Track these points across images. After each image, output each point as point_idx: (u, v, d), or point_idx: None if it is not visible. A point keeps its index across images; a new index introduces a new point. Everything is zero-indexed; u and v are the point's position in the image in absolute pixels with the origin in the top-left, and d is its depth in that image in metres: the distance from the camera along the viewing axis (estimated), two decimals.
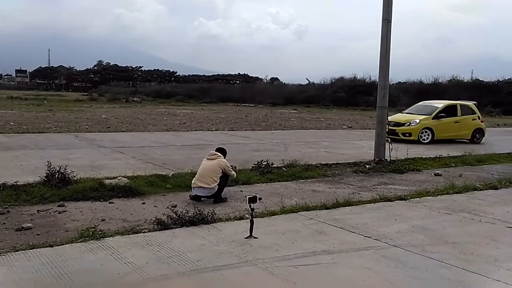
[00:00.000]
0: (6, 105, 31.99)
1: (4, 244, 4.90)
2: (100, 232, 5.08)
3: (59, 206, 6.51)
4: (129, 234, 5.23)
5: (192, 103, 48.84)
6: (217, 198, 7.22)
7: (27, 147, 11.79)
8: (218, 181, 7.25)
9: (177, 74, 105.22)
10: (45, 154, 10.28)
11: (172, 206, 6.61)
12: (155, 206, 6.82)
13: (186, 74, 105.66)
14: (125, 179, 7.76)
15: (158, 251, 4.70)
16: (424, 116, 17.64)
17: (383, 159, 11.42)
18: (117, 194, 7.20)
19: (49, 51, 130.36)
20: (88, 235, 5.01)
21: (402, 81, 53.11)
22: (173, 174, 8.74)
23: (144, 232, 5.33)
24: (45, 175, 7.34)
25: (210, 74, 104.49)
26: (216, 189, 7.21)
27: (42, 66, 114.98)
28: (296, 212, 6.42)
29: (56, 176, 7.30)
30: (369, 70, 66.73)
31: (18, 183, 7.20)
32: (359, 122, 28.20)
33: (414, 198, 7.68)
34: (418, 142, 16.76)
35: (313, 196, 7.70)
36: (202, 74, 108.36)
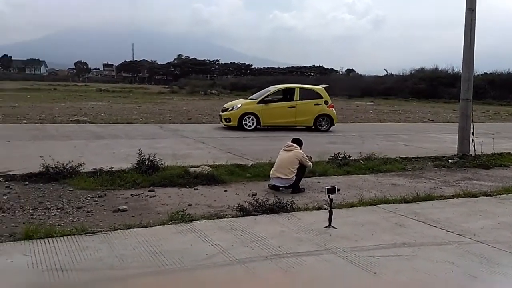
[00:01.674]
0: (96, 97, 34.35)
1: (104, 224, 5.41)
2: (188, 216, 5.46)
3: (149, 191, 7.03)
4: (214, 219, 5.56)
5: None
6: (295, 188, 7.39)
7: (118, 136, 12.69)
8: (296, 172, 7.40)
9: (253, 66, 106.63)
10: (134, 143, 11.03)
11: (253, 194, 6.87)
12: (236, 193, 7.13)
13: (261, 67, 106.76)
14: (208, 167, 8.17)
15: (241, 235, 4.97)
16: (249, 101, 16.53)
17: (467, 153, 10.97)
18: (201, 182, 7.62)
19: (132, 45, 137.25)
20: (177, 218, 5.39)
21: (488, 72, 50.06)
22: (252, 164, 9.04)
23: (227, 218, 5.64)
24: (136, 162, 7.92)
25: (285, 67, 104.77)
26: (294, 179, 7.37)
27: (127, 60, 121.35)
28: (375, 205, 6.43)
29: (146, 163, 7.85)
30: (451, 60, 63.53)
31: (112, 169, 7.83)
32: (441, 115, 27.05)
33: (500, 194, 7.37)
34: (241, 128, 15.36)
35: (392, 190, 7.63)
36: (277, 66, 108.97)
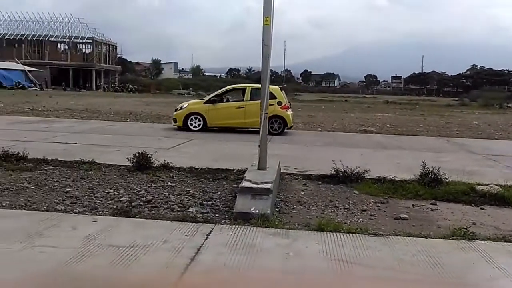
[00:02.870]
0: (383, 108, 35.38)
1: (385, 228, 5.74)
2: (471, 234, 5.27)
3: (431, 204, 7.02)
4: (501, 242, 5.21)
5: None
6: None
7: (402, 147, 12.93)
8: None
9: None
10: (418, 155, 11.05)
11: None
12: None
13: None
14: (498, 187, 7.57)
15: None
16: (197, 101, 16.76)
17: None
18: (488, 201, 7.13)
19: (422, 57, 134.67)
20: (459, 234, 5.28)
21: None
22: None
23: None
24: (419, 174, 8.00)
25: None
26: None
27: (416, 72, 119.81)
28: None
29: (429, 176, 7.83)
30: None
31: (395, 179, 8.13)
32: None
33: None
34: (187, 129, 15.08)
35: None
36: None
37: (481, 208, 6.89)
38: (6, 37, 66.54)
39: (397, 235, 5.34)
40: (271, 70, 8.11)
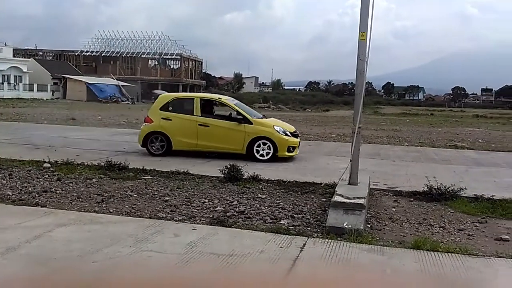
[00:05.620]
0: (473, 122, 33.51)
1: (485, 249, 5.50)
2: None
3: None
4: None
5: None
6: None
7: (498, 164, 12.22)
8: None
9: None
10: None
11: None
12: None
13: None
14: None
15: None
16: None
17: None
18: None
19: None
20: None
21: None
22: None
23: None
24: None
25: None
26: None
27: (508, 84, 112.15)
28: None
29: None
30: None
31: (494, 197, 7.74)
32: None
33: None
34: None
35: None
36: None
37: None
38: (103, 54, 71.98)
39: (499, 257, 5.12)
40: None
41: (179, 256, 4.77)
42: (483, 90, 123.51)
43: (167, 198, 7.41)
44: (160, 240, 5.33)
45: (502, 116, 45.27)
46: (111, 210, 6.68)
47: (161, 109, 12.13)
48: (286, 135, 11.88)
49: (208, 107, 12.42)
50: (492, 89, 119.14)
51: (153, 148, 11.95)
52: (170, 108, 12.18)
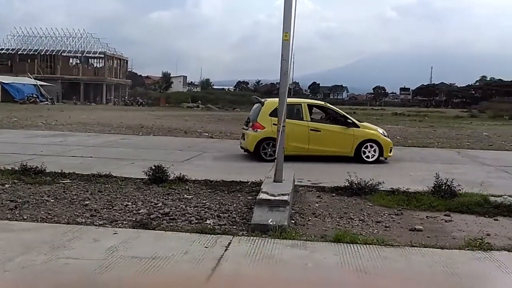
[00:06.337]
0: (392, 120, 35.42)
1: (401, 240, 5.80)
2: (486, 244, 5.33)
3: (445, 215, 7.07)
4: None
5: None
6: None
7: (414, 159, 12.99)
8: None
9: None
10: (430, 167, 11.12)
11: None
12: None
13: None
14: (511, 198, 7.61)
15: None
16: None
17: None
18: (501, 212, 7.17)
19: (431, 69, 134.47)
20: (475, 245, 5.34)
21: None
22: None
23: None
24: (432, 185, 8.06)
25: None
26: None
27: (424, 84, 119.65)
28: None
29: (443, 188, 7.89)
30: None
31: (409, 190, 8.20)
32: None
33: None
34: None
35: None
36: None
37: (494, 219, 6.93)
38: (19, 52, 67.60)
39: (413, 246, 5.41)
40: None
41: (98, 261, 4.58)
42: (401, 89, 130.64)
43: (87, 202, 7.10)
44: (79, 246, 5.09)
45: (418, 114, 48.28)
46: (25, 217, 6.28)
47: (270, 115, 11.93)
48: (387, 137, 12.78)
49: (314, 113, 12.99)
50: (409, 88, 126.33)
51: (266, 154, 11.96)
52: None
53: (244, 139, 12.73)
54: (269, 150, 11.85)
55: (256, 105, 13.18)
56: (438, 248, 5.35)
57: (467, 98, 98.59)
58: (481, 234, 6.00)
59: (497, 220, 6.91)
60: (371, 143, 12.32)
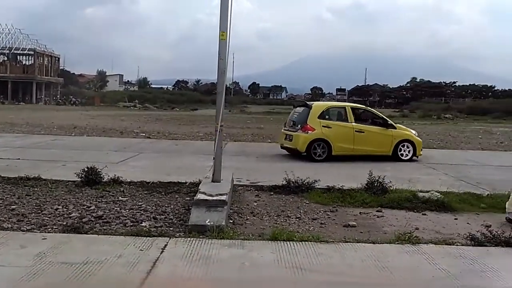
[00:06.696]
0: None
1: (335, 236, 5.97)
2: (415, 238, 5.60)
3: (377, 211, 7.36)
4: (442, 245, 5.56)
5: None
6: None
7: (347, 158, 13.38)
8: None
9: (495, 88, 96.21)
10: (364, 165, 11.47)
11: (486, 226, 6.52)
12: (467, 223, 6.86)
13: (506, 89, 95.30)
14: (438, 193, 8.04)
15: (471, 264, 4.89)
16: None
17: None
18: (429, 207, 7.56)
19: (365, 70, 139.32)
20: (404, 239, 5.59)
21: None
22: (488, 194, 8.49)
23: (456, 245, 5.56)
24: (365, 183, 8.35)
25: None
26: None
27: (359, 85, 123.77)
28: None
29: (375, 185, 8.21)
30: None
31: (343, 187, 8.44)
32: None
33: None
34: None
35: None
36: None
37: (423, 214, 7.30)
38: None
39: (346, 242, 5.58)
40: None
41: (26, 268, 4.34)
42: (338, 90, 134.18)
43: (13, 206, 6.71)
44: (4, 253, 4.80)
45: None
46: None
47: (319, 117, 12.82)
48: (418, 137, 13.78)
49: (357, 115, 13.40)
50: (345, 89, 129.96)
51: (316, 154, 12.54)
52: (327, 117, 13.11)
53: (290, 140, 13.21)
54: (319, 150, 12.60)
55: (300, 108, 13.94)
56: (370, 243, 5.55)
57: (399, 99, 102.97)
58: (410, 228, 6.28)
59: (425, 214, 7.28)
60: (407, 143, 13.26)
